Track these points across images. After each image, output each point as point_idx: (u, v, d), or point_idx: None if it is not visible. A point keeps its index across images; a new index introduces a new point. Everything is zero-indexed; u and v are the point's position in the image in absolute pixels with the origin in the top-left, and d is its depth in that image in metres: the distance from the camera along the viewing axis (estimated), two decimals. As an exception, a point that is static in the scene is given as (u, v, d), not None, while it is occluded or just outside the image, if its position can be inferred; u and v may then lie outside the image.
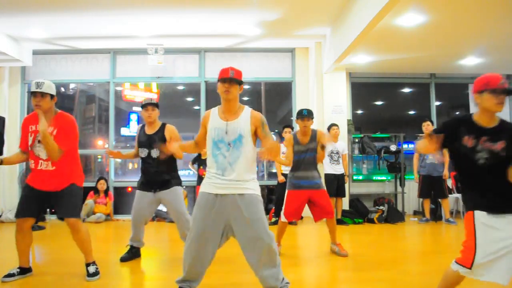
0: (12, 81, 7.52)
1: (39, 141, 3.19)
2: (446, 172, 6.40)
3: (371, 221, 6.61)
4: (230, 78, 2.57)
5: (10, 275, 3.26)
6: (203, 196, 2.62)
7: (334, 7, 5.63)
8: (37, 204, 3.25)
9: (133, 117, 8.30)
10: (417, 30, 5.48)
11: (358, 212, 6.68)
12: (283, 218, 4.15)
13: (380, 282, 3.30)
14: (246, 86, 8.35)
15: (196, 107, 7.94)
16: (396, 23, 5.24)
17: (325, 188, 4.23)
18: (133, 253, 4.04)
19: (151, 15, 6.01)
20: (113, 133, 7.74)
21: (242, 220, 2.53)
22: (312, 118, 4.12)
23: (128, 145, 8.70)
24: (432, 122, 6.72)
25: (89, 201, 6.95)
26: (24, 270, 3.37)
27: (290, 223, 6.44)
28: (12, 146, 7.29)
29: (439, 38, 5.96)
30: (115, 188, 7.59)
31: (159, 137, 3.86)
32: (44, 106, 3.15)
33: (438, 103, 8.13)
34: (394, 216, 6.66)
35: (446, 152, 6.92)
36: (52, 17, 6.02)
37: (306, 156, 4.09)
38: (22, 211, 3.23)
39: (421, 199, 7.29)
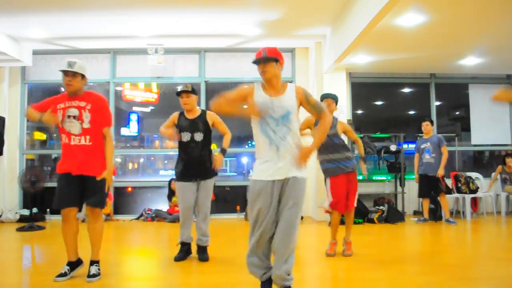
0: (12, 81, 7.52)
1: (68, 117, 3.22)
2: (440, 171, 6.39)
3: (371, 221, 6.61)
4: (265, 58, 2.60)
5: (62, 275, 3.21)
6: (259, 184, 2.58)
7: (334, 7, 5.63)
8: (77, 190, 3.20)
9: (133, 117, 8.29)
10: (417, 30, 5.48)
11: (358, 212, 6.64)
12: (326, 204, 4.18)
13: (380, 282, 3.30)
14: (245, 87, 8.32)
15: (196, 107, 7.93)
16: (396, 23, 5.24)
17: (356, 171, 4.21)
18: (186, 251, 4.00)
19: (151, 15, 6.01)
20: (113, 133, 7.72)
21: (289, 202, 2.55)
22: (336, 102, 4.18)
23: (128, 145, 8.71)
24: (432, 121, 6.73)
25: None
26: (74, 265, 3.31)
27: None
28: (12, 146, 7.30)
29: (439, 38, 5.95)
30: (115, 188, 7.58)
31: (202, 121, 3.94)
32: (75, 85, 3.23)
33: (438, 103, 8.12)
34: (394, 216, 6.65)
35: (445, 150, 6.93)
36: (52, 17, 6.02)
37: (327, 141, 4.03)
38: (64, 200, 3.18)
39: (421, 199, 7.30)
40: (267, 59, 2.60)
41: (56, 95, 3.37)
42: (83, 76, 3.28)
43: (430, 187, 6.52)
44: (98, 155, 3.27)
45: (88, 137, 3.24)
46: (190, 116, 4.00)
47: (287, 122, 2.59)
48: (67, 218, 3.21)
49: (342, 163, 4.10)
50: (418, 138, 6.91)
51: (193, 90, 3.99)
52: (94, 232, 3.32)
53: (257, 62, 2.63)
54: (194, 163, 3.91)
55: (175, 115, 4.06)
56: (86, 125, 3.24)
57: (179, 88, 3.99)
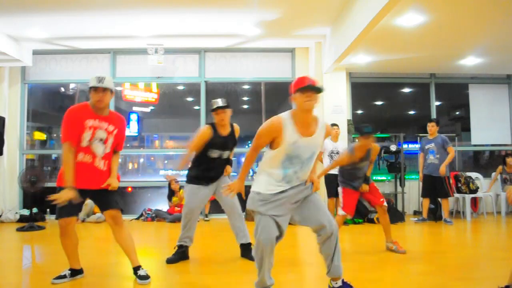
0: (12, 81, 7.52)
1: (99, 139, 3.10)
2: (442, 169, 6.33)
3: (371, 221, 6.61)
4: (318, 88, 2.39)
5: (61, 277, 3.16)
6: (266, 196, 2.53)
7: (334, 7, 5.63)
8: (78, 203, 3.12)
9: (133, 117, 8.29)
10: (417, 30, 5.48)
11: (358, 212, 6.66)
12: (340, 212, 4.36)
13: (380, 282, 3.30)
14: (246, 86, 8.36)
15: (196, 107, 7.94)
16: (396, 23, 5.24)
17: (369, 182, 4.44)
18: (181, 254, 3.97)
19: (151, 15, 6.01)
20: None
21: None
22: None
23: (128, 145, 8.71)
24: (437, 122, 6.68)
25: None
26: (76, 272, 3.25)
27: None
28: (11, 146, 7.30)
29: (439, 38, 5.95)
30: (115, 188, 7.57)
31: (232, 142, 3.87)
32: (106, 101, 3.12)
33: (438, 103, 8.12)
34: (394, 216, 6.62)
35: (451, 149, 6.90)
36: (52, 17, 6.02)
37: (355, 169, 4.34)
38: (65, 211, 3.05)
39: (421, 199, 7.31)
40: (319, 90, 2.40)
41: (75, 110, 3.07)
42: (111, 91, 3.14)
43: (434, 187, 6.50)
44: (107, 175, 3.22)
45: (106, 162, 3.17)
46: (223, 132, 3.80)
47: (311, 162, 2.52)
48: (66, 231, 3.09)
49: (351, 183, 4.39)
50: (423, 138, 6.87)
51: (228, 105, 3.79)
52: (124, 238, 3.21)
53: (310, 88, 2.37)
54: (212, 173, 3.88)
55: (207, 132, 3.76)
56: (108, 149, 3.16)
57: (215, 104, 3.74)
